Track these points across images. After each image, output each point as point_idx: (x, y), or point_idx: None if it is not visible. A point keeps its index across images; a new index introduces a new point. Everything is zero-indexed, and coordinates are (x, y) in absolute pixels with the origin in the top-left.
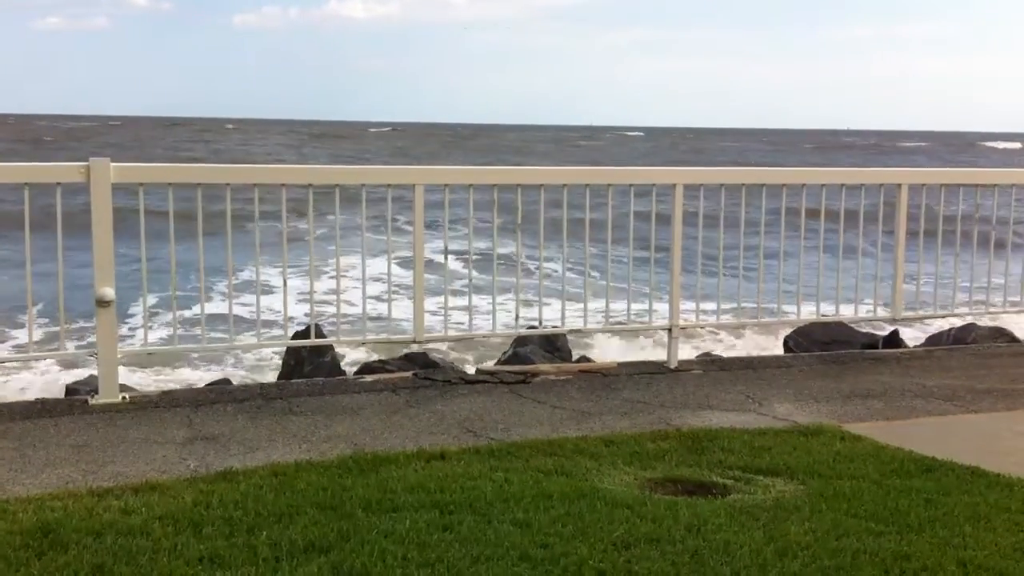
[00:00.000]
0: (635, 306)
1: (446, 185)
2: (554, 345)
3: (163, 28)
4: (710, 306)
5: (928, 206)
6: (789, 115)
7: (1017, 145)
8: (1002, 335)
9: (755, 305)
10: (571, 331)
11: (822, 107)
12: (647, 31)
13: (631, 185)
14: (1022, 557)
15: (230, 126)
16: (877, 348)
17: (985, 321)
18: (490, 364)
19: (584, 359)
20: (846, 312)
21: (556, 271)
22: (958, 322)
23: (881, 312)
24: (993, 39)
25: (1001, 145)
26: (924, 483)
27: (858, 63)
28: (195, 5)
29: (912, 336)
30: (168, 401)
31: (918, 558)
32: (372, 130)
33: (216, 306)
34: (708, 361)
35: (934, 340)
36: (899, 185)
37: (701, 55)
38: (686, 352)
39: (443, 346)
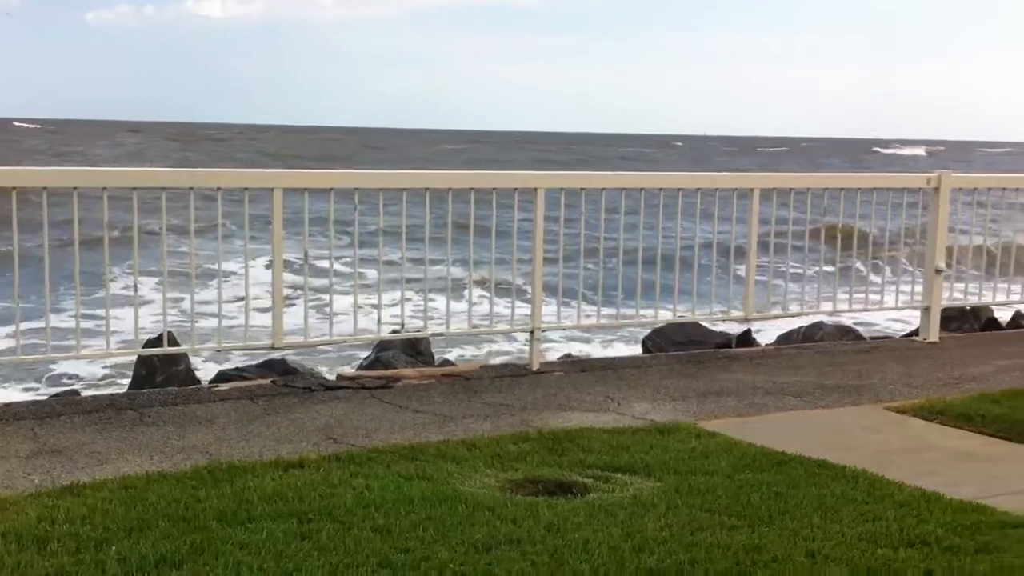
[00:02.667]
0: (505, 310)
1: (306, 189)
2: (417, 349)
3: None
4: (588, 308)
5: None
6: (662, 120)
7: (921, 151)
8: (848, 333)
9: (615, 308)
10: (433, 334)
11: (690, 113)
12: (522, 37)
13: (495, 189)
14: (867, 546)
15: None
16: (731, 347)
17: (833, 320)
18: (351, 369)
19: (447, 362)
20: (702, 312)
21: (438, 273)
22: (807, 321)
23: (735, 312)
24: (886, 48)
25: (908, 151)
26: (775, 477)
27: (728, 70)
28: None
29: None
30: (10, 414)
31: (768, 550)
32: (241, 132)
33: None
34: (569, 362)
35: (784, 339)
36: (752, 189)
37: (577, 61)
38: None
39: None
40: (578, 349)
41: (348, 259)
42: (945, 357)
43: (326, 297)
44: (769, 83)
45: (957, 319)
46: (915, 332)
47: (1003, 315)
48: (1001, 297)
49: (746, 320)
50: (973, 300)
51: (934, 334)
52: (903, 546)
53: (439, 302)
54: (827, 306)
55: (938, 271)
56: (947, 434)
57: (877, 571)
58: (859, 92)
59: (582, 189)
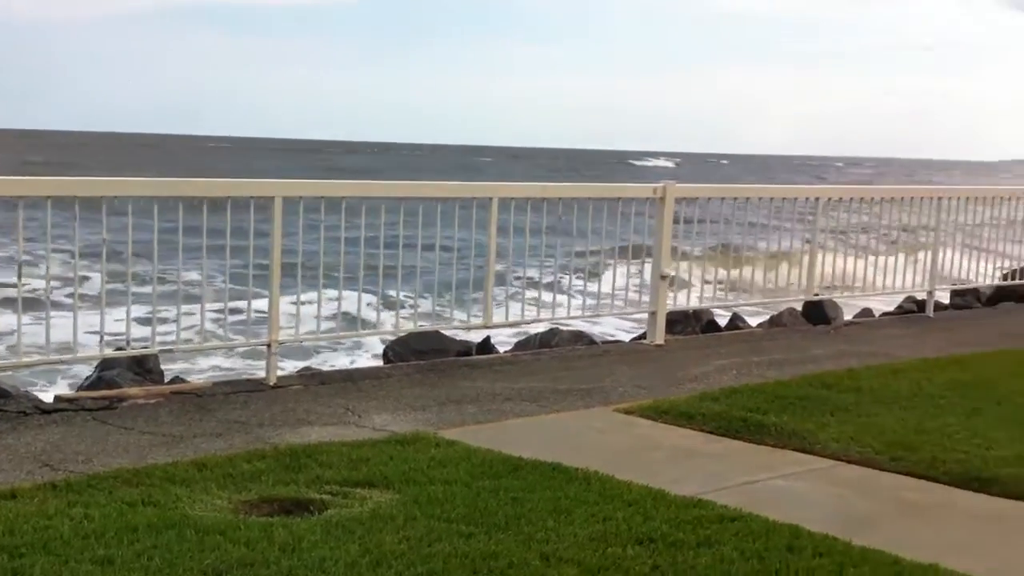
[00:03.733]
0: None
1: (48, 197)
2: (144, 366)
3: None
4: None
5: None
6: (434, 130)
7: (669, 164)
8: (581, 338)
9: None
10: (162, 351)
11: (463, 122)
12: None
13: (228, 197)
14: (598, 546)
15: None
16: (471, 355)
17: (566, 326)
18: (70, 391)
19: (178, 379)
20: (442, 320)
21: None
22: (543, 327)
23: (475, 320)
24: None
25: (651, 163)
26: (511, 482)
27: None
28: None
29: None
30: None
31: (504, 555)
32: None
33: None
34: (308, 375)
35: (522, 345)
36: (491, 199)
37: (343, 67)
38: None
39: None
40: (321, 361)
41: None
42: (670, 359)
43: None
44: (495, 93)
45: (681, 322)
46: (644, 336)
47: (722, 318)
48: (720, 300)
49: (485, 327)
50: (695, 304)
51: (660, 337)
52: (632, 544)
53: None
54: (562, 312)
55: (663, 277)
56: (671, 433)
57: (607, 570)
58: (608, 105)
59: (322, 197)
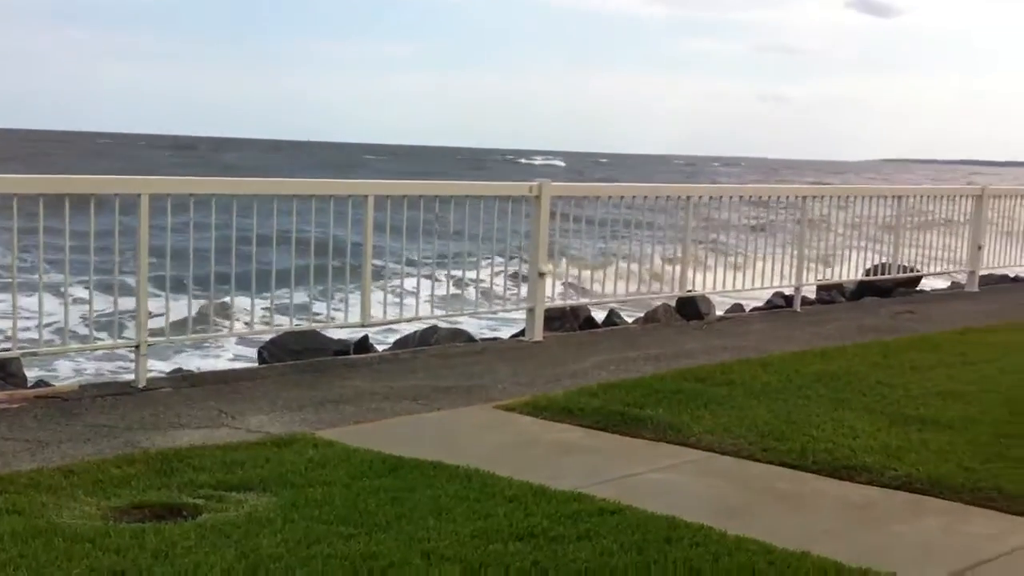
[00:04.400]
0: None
1: None
2: (7, 370)
3: None
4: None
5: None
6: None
7: (561, 163)
8: (460, 336)
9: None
10: (24, 353)
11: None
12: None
13: (93, 195)
14: (479, 543)
15: None
16: (349, 354)
17: (445, 323)
18: None
19: (42, 383)
20: (319, 319)
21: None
22: (422, 325)
23: (352, 318)
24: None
25: (539, 160)
26: (391, 482)
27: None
28: None
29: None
30: None
31: (385, 556)
32: None
33: None
34: (180, 377)
35: (401, 343)
36: (366, 196)
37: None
38: None
39: None
40: (191, 362)
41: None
42: (548, 355)
43: None
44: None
45: (559, 319)
46: (522, 332)
47: (600, 314)
48: (597, 298)
49: (363, 326)
50: (573, 301)
51: (539, 334)
52: (512, 540)
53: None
54: (440, 310)
55: (541, 274)
56: (551, 428)
57: (489, 566)
58: (498, 103)
59: (191, 195)
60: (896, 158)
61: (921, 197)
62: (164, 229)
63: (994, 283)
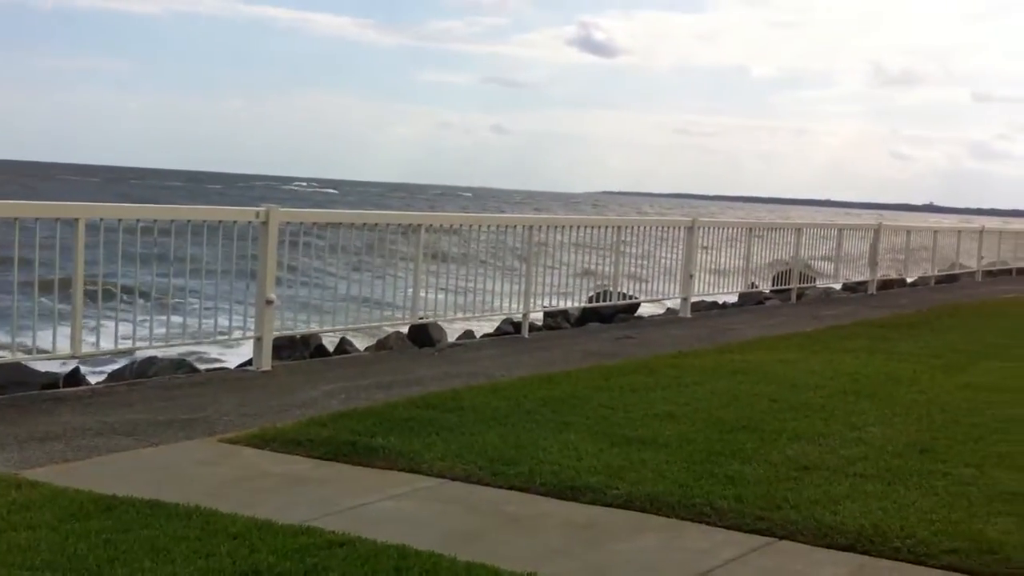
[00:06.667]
0: None
1: None
2: None
3: None
4: None
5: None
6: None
7: (333, 190)
8: (183, 366)
9: None
10: None
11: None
12: None
13: None
14: None
15: None
16: (58, 387)
17: (166, 353)
18: None
19: None
20: (63, 351)
21: None
22: (141, 356)
23: (61, 348)
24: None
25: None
26: (104, 523)
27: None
28: None
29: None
30: None
31: None
32: None
33: None
34: None
35: (117, 375)
36: (77, 220)
37: None
38: None
39: None
40: None
41: None
42: (277, 385)
43: None
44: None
45: (289, 347)
46: (250, 362)
47: (331, 343)
48: (328, 325)
49: (74, 357)
50: (303, 329)
51: (267, 363)
52: None
53: None
54: (161, 341)
55: (269, 302)
56: (279, 460)
57: None
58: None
59: None
60: (615, 190)
61: (639, 227)
62: None
63: (705, 309)
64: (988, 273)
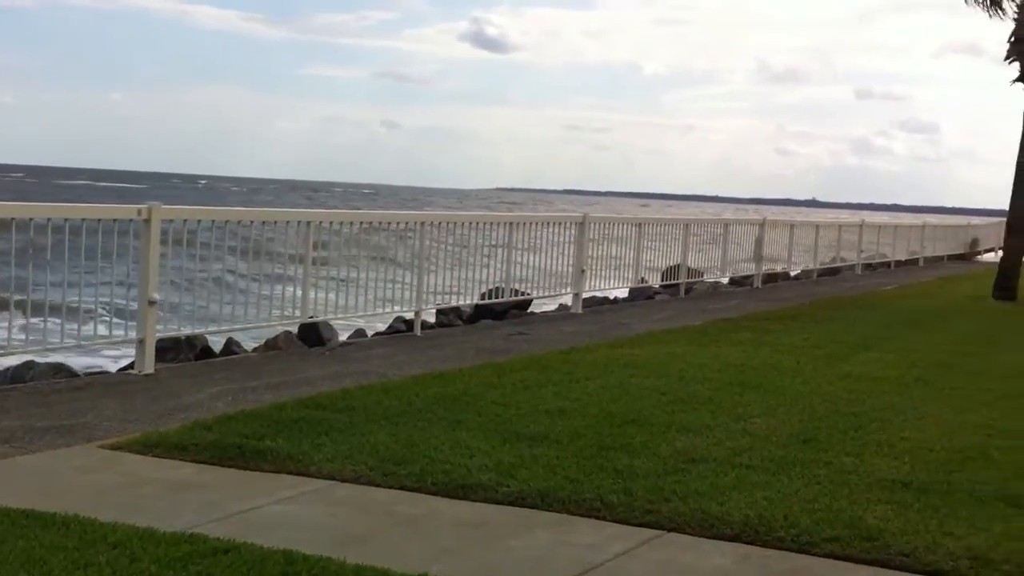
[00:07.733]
0: None
1: None
2: None
3: None
4: None
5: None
6: None
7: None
8: (62, 371)
9: None
10: None
11: None
12: None
13: None
14: None
15: None
16: None
17: (43, 357)
18: None
19: None
20: None
21: None
22: (16, 360)
23: None
24: None
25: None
26: None
27: None
28: None
29: None
30: None
31: None
32: None
33: None
34: None
35: None
36: None
37: None
38: None
39: None
40: None
41: None
42: (161, 388)
43: None
44: None
45: (173, 349)
46: (132, 365)
47: (218, 343)
48: (214, 326)
49: None
50: (188, 330)
51: (150, 366)
52: None
53: None
54: (37, 345)
55: (151, 302)
56: (162, 466)
57: None
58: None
59: None
60: (508, 187)
61: (531, 224)
62: None
63: (596, 304)
64: (868, 266)
